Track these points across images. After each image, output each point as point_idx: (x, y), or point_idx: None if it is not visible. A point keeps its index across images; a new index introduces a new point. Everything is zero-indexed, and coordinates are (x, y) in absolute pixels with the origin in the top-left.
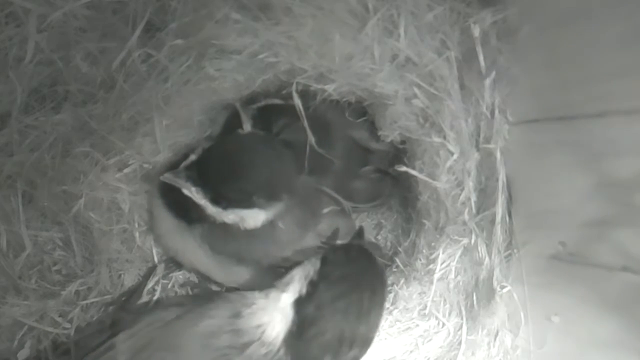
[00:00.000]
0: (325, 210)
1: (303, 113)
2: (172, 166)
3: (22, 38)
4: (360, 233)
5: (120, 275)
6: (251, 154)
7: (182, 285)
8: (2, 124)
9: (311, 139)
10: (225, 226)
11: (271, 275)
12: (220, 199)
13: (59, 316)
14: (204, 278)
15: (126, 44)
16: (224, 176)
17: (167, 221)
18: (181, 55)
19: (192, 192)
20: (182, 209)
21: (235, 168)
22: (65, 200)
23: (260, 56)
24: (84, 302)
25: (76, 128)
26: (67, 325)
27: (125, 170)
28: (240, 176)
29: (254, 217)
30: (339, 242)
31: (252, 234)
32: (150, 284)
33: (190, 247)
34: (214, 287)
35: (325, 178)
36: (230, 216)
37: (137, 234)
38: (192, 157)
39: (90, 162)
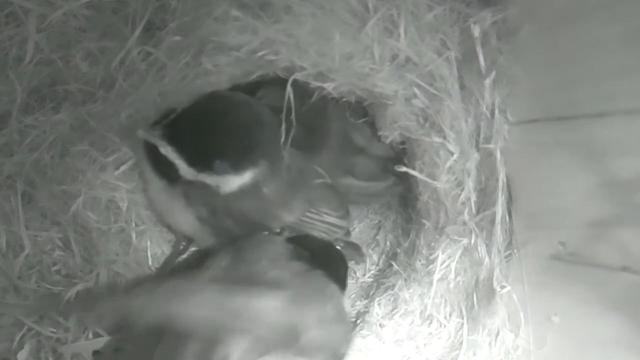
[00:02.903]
0: (318, 181)
1: (292, 99)
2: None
3: (22, 38)
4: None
5: (119, 280)
6: (225, 116)
7: None
8: (2, 124)
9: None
10: (205, 187)
11: None
12: (195, 160)
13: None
14: (190, 241)
15: (126, 44)
16: (194, 137)
17: (154, 182)
18: (180, 53)
19: (168, 151)
20: (165, 167)
21: (204, 130)
22: (64, 199)
23: (260, 54)
24: None
25: (75, 127)
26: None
27: (123, 168)
28: (206, 139)
29: (226, 182)
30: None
31: (232, 197)
32: None
33: (176, 208)
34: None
35: (319, 154)
36: (207, 179)
37: (133, 234)
38: (172, 116)
39: (89, 160)
